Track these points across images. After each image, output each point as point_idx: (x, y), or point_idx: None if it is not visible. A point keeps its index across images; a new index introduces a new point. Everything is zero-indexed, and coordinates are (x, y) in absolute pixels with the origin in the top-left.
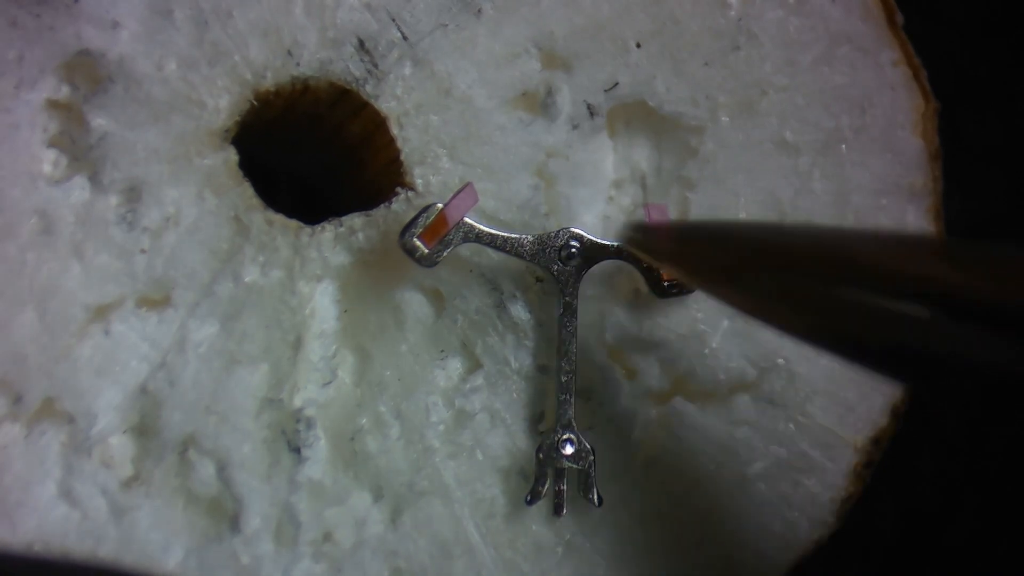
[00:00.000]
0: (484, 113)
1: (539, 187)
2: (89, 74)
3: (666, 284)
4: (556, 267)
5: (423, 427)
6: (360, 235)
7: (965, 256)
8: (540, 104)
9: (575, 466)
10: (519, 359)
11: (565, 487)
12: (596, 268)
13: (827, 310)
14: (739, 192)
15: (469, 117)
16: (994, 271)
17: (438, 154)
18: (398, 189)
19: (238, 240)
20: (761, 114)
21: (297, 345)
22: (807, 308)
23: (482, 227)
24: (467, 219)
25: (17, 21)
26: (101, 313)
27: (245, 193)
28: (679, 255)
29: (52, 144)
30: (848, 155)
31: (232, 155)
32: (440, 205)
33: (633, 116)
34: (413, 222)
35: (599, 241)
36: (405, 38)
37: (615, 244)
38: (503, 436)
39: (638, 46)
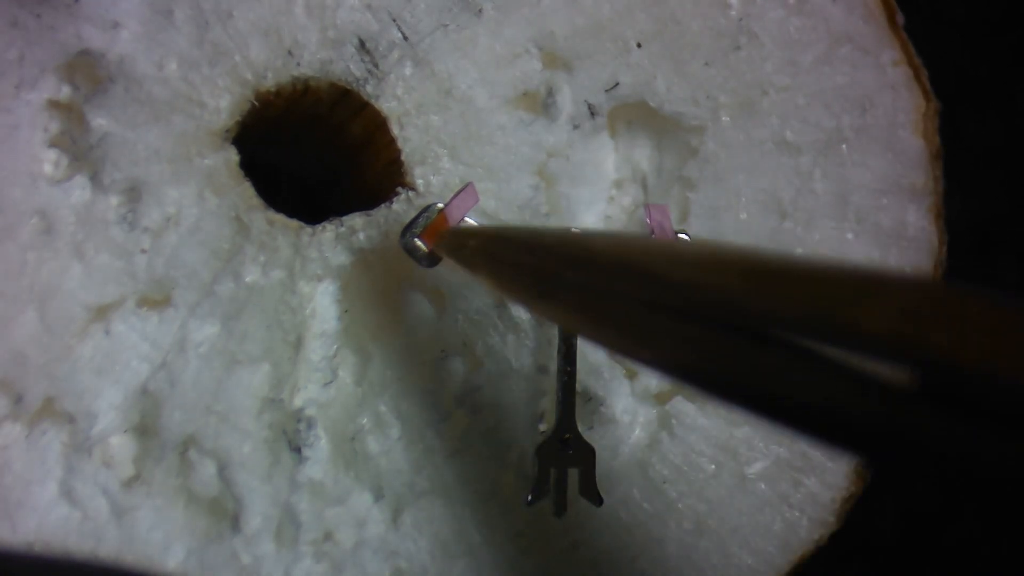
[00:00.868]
0: (485, 113)
1: (540, 187)
2: (89, 74)
3: None
4: None
5: (424, 427)
6: (361, 235)
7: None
8: (541, 104)
9: (575, 466)
10: (520, 359)
11: (566, 487)
12: None
13: (629, 326)
14: (740, 192)
15: (470, 117)
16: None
17: (439, 154)
18: (399, 189)
19: (239, 240)
20: (762, 114)
21: (298, 345)
22: (612, 322)
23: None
24: (468, 219)
25: (18, 21)
26: (102, 313)
27: (246, 193)
28: (491, 264)
29: (52, 144)
30: (849, 155)
31: (233, 155)
32: (440, 205)
33: (634, 116)
34: (413, 222)
35: None
36: (406, 38)
37: None
38: (503, 436)
39: (639, 46)
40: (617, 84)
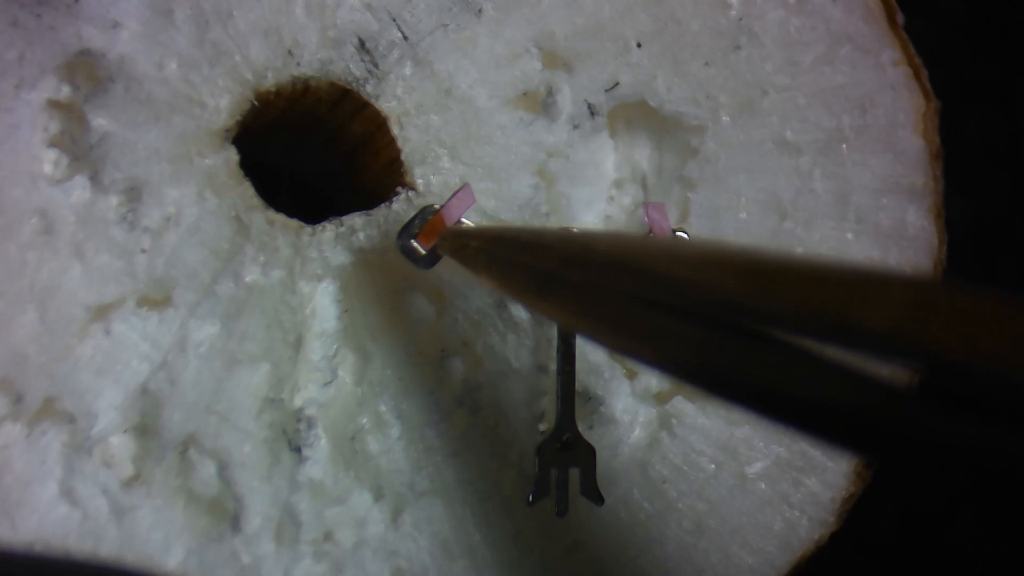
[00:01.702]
0: (485, 113)
1: (540, 187)
2: (90, 74)
3: None
4: None
5: (424, 426)
6: (361, 235)
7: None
8: (541, 104)
9: (576, 466)
10: (519, 358)
11: (567, 487)
12: None
13: (633, 324)
14: (740, 192)
15: (470, 117)
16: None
17: (439, 154)
18: (399, 189)
19: (239, 240)
20: (762, 114)
21: (298, 345)
22: (613, 321)
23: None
24: (465, 220)
25: (18, 21)
26: (102, 313)
27: (246, 193)
28: (491, 264)
29: (53, 144)
30: (849, 155)
31: (233, 155)
32: (437, 206)
33: (634, 116)
34: (410, 223)
35: None
36: (406, 38)
37: None
38: (503, 436)
39: (639, 46)
40: (617, 84)
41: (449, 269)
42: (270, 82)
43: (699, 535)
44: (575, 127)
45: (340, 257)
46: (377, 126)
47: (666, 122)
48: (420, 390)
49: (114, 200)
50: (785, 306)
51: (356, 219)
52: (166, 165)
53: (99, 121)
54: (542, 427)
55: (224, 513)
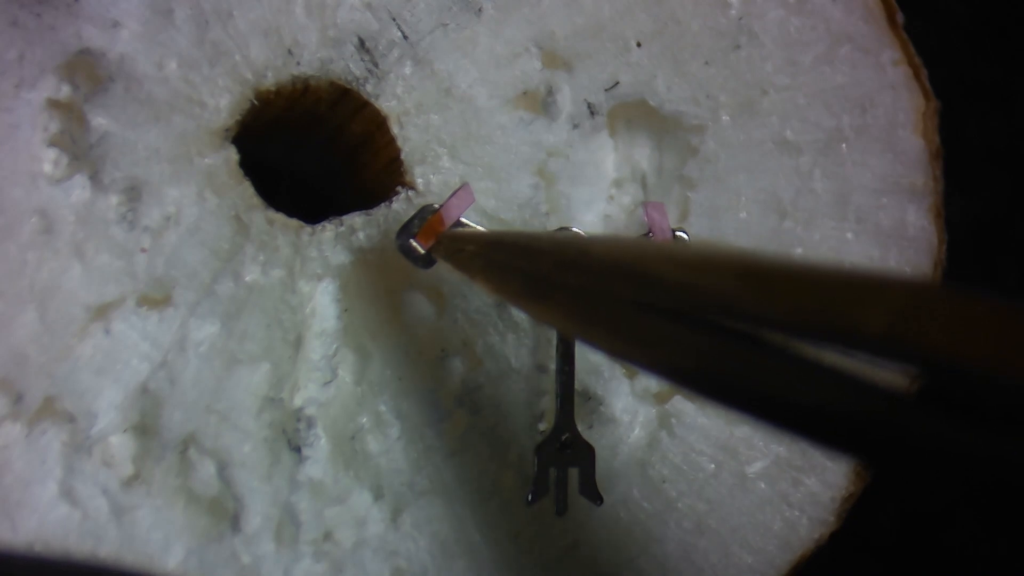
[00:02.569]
0: (485, 112)
1: (540, 186)
2: (89, 74)
3: None
4: None
5: (424, 426)
6: (361, 234)
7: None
8: (541, 103)
9: (575, 466)
10: (519, 358)
11: (566, 486)
12: None
13: (628, 327)
14: (740, 191)
15: (470, 116)
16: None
17: (439, 153)
18: (399, 188)
19: (239, 239)
20: (762, 113)
21: (298, 344)
22: (610, 324)
23: (479, 227)
24: (464, 219)
25: (18, 21)
26: (102, 312)
27: (246, 192)
28: (487, 267)
29: (52, 143)
30: (849, 155)
31: (233, 154)
32: (436, 206)
33: (634, 115)
34: (409, 223)
35: None
36: (406, 37)
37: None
38: (503, 435)
39: (639, 45)
40: (617, 83)
41: (449, 269)
42: (270, 82)
43: (699, 535)
44: (575, 127)
45: (340, 257)
46: (377, 125)
47: (666, 122)
48: (420, 390)
49: (114, 200)
50: (782, 309)
51: (356, 219)
52: (166, 165)
53: (99, 121)
54: (542, 427)
55: (224, 513)
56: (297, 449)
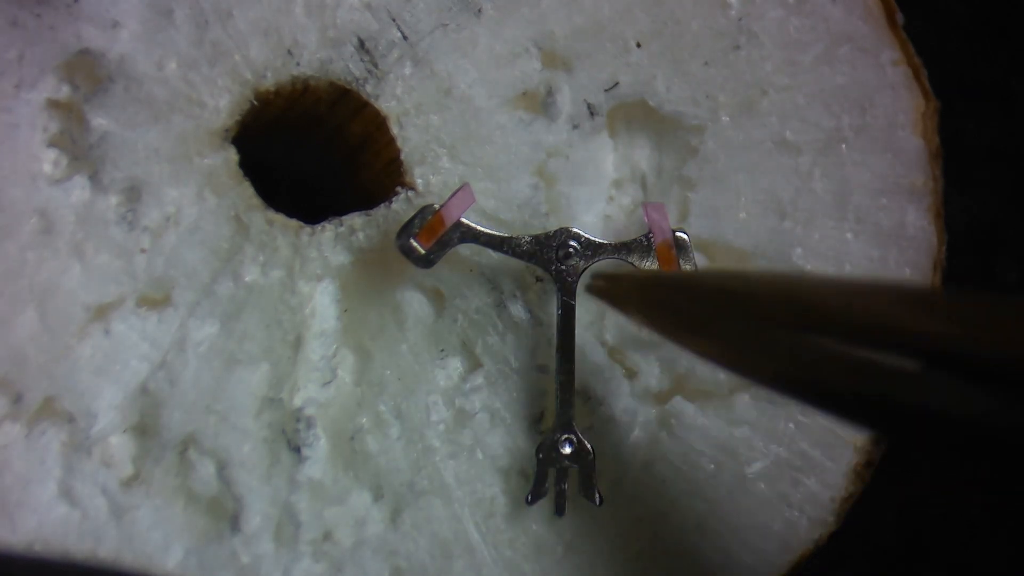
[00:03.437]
0: (484, 113)
1: (539, 187)
2: (89, 74)
3: None
4: (554, 267)
5: (423, 426)
6: (360, 235)
7: (947, 305)
8: (540, 104)
9: (575, 466)
10: (519, 359)
11: (566, 487)
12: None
13: (795, 358)
14: (740, 192)
15: (469, 117)
16: (978, 322)
17: (438, 154)
18: (398, 189)
19: (238, 240)
20: (762, 114)
21: (297, 344)
22: (773, 356)
23: (479, 227)
24: (464, 219)
25: (17, 21)
26: (101, 312)
27: (245, 193)
28: (644, 305)
29: (52, 144)
30: (848, 155)
31: (232, 155)
32: (437, 206)
33: (633, 116)
34: (409, 223)
35: (597, 240)
36: (405, 38)
37: (613, 243)
38: (503, 436)
39: (638, 46)
40: (617, 84)
41: (449, 269)
42: (270, 82)
43: (699, 535)
44: (575, 127)
45: (340, 257)
46: (377, 126)
47: (666, 122)
48: (420, 390)
49: (114, 200)
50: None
51: (356, 219)
52: (166, 165)
53: (99, 121)
54: (542, 427)
55: (223, 513)
56: (297, 449)
